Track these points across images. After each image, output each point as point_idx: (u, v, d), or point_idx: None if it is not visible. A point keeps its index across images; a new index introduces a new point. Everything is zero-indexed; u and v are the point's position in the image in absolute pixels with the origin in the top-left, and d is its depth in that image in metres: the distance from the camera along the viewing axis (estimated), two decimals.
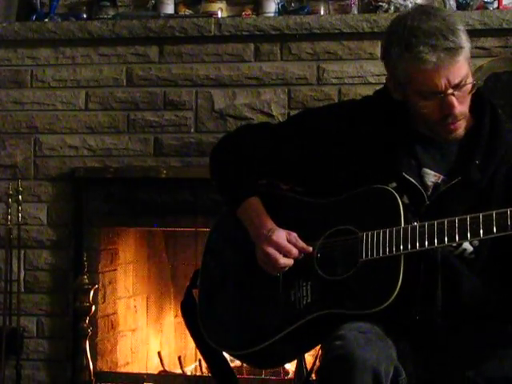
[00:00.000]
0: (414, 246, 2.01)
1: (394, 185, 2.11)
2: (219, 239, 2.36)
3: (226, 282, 2.29)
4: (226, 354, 2.36)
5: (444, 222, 1.99)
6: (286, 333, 2.12)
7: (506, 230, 1.93)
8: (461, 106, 2.08)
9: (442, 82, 2.04)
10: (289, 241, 2.16)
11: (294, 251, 2.15)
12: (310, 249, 2.16)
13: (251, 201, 2.24)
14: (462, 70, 2.05)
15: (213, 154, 2.38)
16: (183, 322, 2.42)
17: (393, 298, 1.97)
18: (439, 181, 2.14)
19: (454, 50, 2.03)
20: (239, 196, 2.26)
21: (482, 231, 1.95)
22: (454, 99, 2.06)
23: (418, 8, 2.17)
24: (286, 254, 2.15)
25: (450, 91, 2.05)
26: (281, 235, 2.16)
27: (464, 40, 2.05)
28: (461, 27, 2.06)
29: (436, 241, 1.99)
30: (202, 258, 2.37)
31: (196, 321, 2.29)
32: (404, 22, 2.08)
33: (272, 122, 2.47)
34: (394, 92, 2.16)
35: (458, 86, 2.06)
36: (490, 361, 2.00)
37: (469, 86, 2.08)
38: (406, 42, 2.05)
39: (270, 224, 2.19)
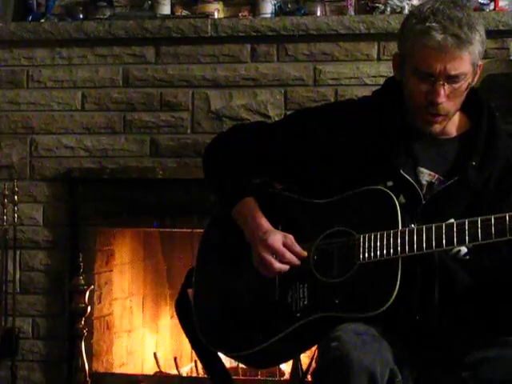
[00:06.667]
0: (411, 249, 2.00)
1: (391, 183, 2.11)
2: (214, 238, 2.33)
3: (221, 282, 2.27)
4: (221, 354, 2.35)
5: (442, 226, 1.98)
6: (282, 335, 2.10)
7: (504, 236, 1.92)
8: (447, 102, 2.07)
9: (438, 67, 2.04)
10: (284, 244, 2.14)
11: (289, 256, 2.14)
12: (305, 254, 2.14)
13: (246, 201, 2.22)
14: (462, 65, 2.04)
15: (206, 154, 2.35)
16: (178, 322, 2.41)
17: (391, 301, 1.96)
18: (434, 180, 2.13)
19: (462, 41, 2.02)
20: (234, 196, 2.24)
21: (480, 236, 1.94)
22: (442, 89, 2.05)
23: None
24: (281, 259, 2.14)
25: (441, 81, 2.05)
26: (276, 238, 2.14)
27: (476, 40, 2.04)
28: (480, 28, 2.06)
29: (434, 244, 1.98)
30: (196, 258, 2.35)
31: (191, 320, 2.27)
32: (433, 4, 2.08)
33: (267, 122, 2.46)
34: (396, 69, 2.17)
35: (451, 79, 2.05)
36: (485, 363, 1.99)
37: (463, 85, 2.07)
38: (424, 16, 2.06)
39: (266, 225, 2.17)
